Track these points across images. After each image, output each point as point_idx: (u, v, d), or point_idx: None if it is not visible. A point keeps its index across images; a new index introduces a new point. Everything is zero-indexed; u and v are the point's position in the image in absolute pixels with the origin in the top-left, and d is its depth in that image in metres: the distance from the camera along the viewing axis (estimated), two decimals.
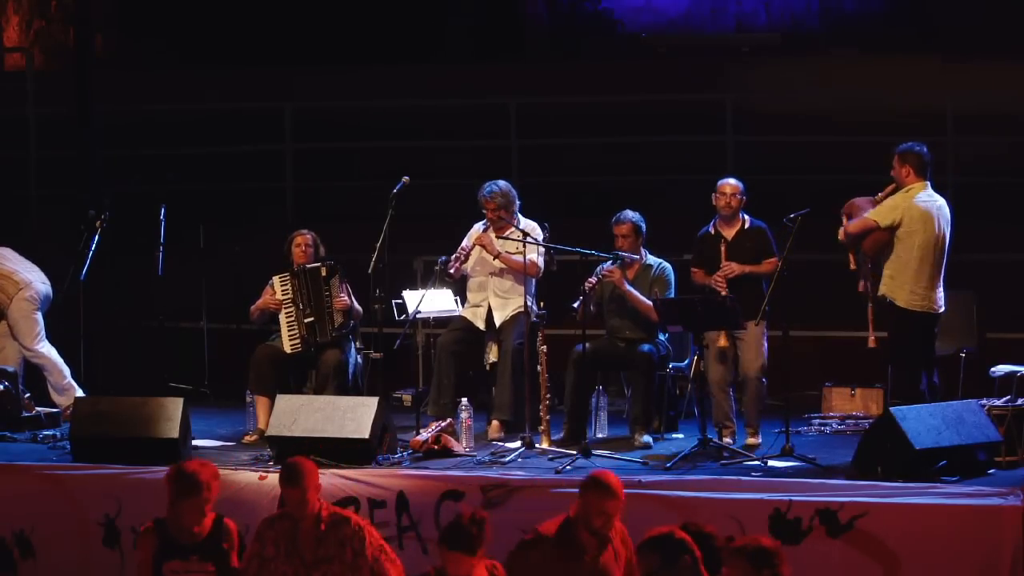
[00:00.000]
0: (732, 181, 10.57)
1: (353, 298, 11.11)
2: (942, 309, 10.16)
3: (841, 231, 10.23)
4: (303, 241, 11.20)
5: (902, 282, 10.05)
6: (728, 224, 10.55)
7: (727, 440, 10.32)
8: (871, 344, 10.24)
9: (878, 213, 10.07)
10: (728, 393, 10.51)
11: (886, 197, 10.20)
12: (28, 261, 11.87)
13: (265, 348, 11.09)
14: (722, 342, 10.36)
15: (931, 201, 10.06)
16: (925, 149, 10.16)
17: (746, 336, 10.36)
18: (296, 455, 8.39)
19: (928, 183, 10.10)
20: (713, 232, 10.58)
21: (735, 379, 10.54)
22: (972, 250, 12.09)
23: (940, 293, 10.12)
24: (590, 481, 7.62)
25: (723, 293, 10.31)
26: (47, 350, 11.70)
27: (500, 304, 11.01)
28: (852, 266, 10.32)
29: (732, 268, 10.40)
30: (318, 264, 11.12)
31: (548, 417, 10.35)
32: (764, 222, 10.57)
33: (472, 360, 11.10)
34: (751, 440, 10.42)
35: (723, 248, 10.45)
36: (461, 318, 11.18)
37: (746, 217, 10.58)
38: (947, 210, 10.17)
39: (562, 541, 7.49)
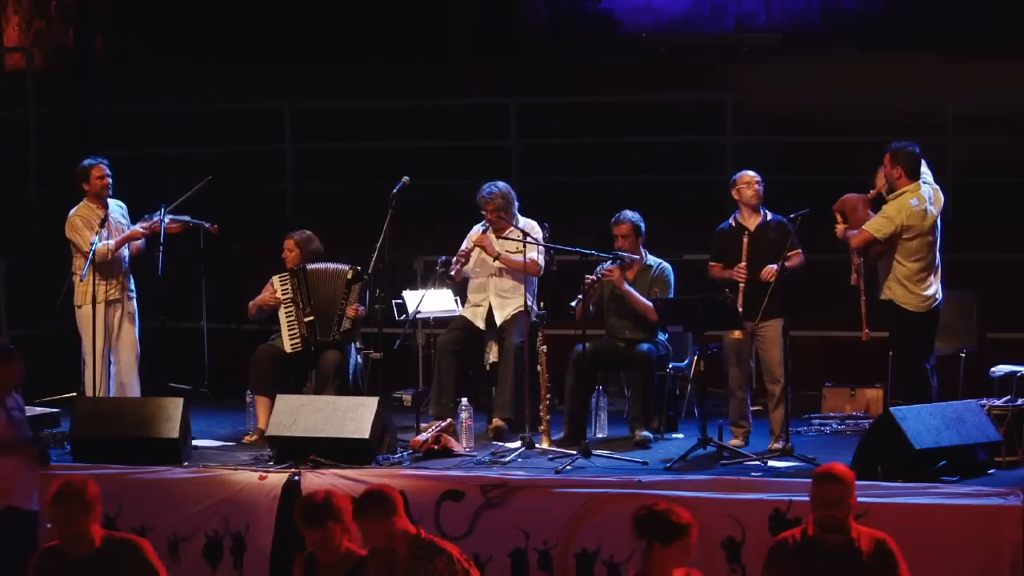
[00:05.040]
0: (751, 172, 10.46)
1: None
2: (940, 300, 10.16)
3: (839, 228, 10.21)
4: (285, 245, 11.20)
5: (910, 289, 10.02)
6: (751, 216, 10.43)
7: (736, 441, 10.23)
8: (864, 338, 10.23)
9: (875, 227, 10.01)
10: (745, 390, 10.37)
11: (877, 193, 10.20)
12: None
13: (265, 348, 11.08)
14: (736, 334, 10.22)
15: (920, 204, 10.03)
16: (918, 149, 10.13)
17: (765, 334, 10.22)
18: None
19: (920, 181, 10.09)
20: (734, 224, 10.46)
21: (751, 376, 10.43)
22: (972, 250, 12.11)
23: (939, 285, 10.13)
24: (814, 475, 7.44)
25: (742, 285, 10.22)
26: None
27: (500, 303, 11.01)
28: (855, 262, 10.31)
29: (770, 271, 10.17)
30: (347, 267, 11.09)
31: (548, 417, 10.34)
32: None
33: (472, 360, 11.10)
34: (774, 445, 10.15)
35: (745, 239, 10.34)
36: (461, 318, 11.17)
37: (766, 211, 10.45)
38: (940, 195, 10.14)
39: (804, 544, 7.26)
